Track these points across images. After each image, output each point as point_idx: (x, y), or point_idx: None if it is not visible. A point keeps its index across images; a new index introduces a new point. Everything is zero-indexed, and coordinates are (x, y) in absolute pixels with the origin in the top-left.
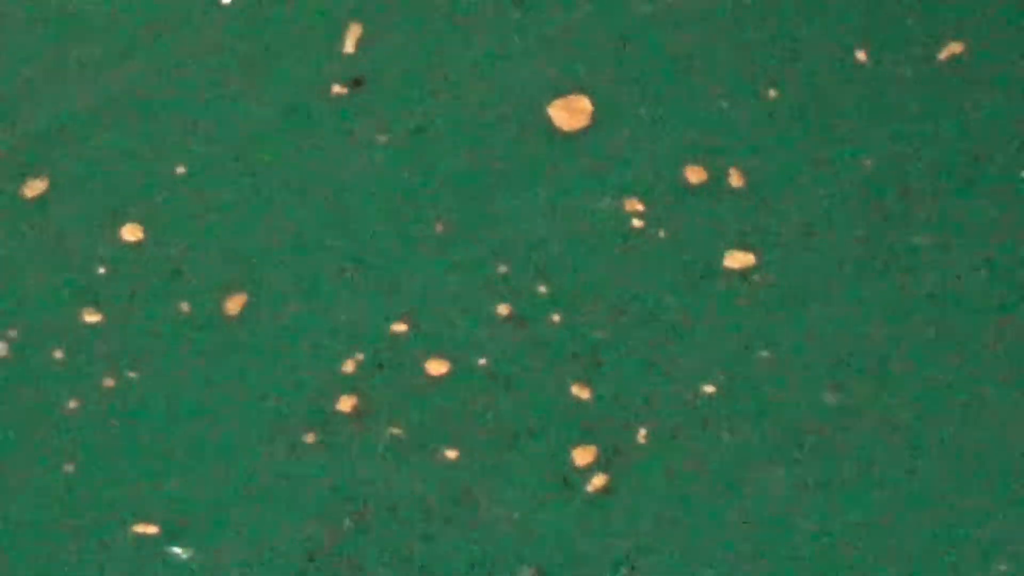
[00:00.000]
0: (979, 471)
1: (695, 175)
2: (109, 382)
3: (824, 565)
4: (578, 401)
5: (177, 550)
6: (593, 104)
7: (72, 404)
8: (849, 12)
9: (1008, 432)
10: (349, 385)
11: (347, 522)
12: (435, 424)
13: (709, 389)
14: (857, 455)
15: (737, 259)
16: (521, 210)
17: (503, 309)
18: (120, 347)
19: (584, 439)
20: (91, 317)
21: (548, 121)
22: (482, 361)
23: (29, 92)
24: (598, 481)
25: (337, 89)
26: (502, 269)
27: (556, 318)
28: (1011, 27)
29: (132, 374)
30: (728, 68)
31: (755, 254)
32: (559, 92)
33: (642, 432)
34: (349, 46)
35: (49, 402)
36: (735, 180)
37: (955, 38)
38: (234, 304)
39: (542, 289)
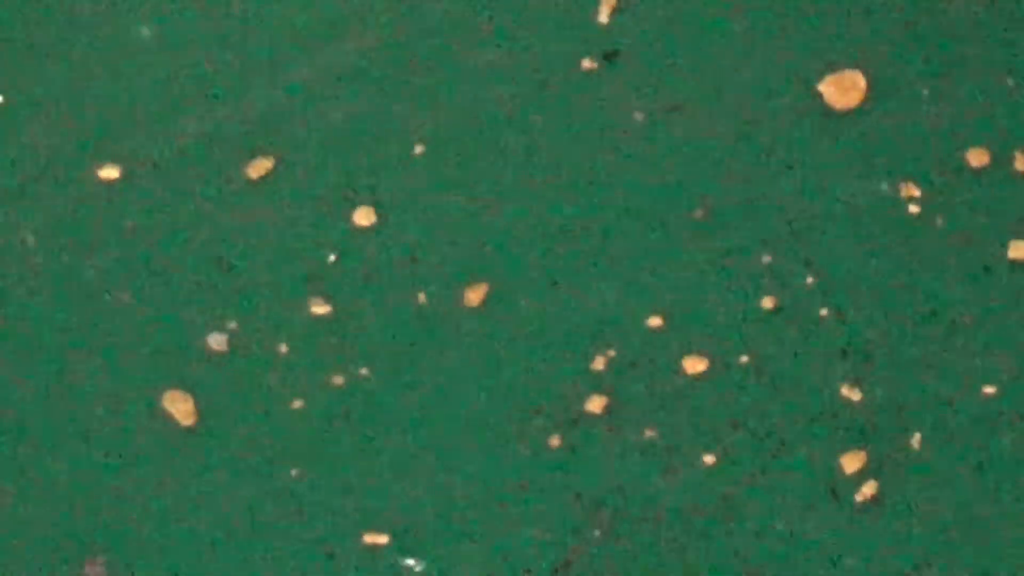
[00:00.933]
0: None
1: (977, 158)
2: (338, 380)
3: None
4: (847, 403)
5: (410, 561)
6: (867, 80)
7: (297, 404)
8: None
9: None
10: (599, 384)
11: (595, 532)
12: (692, 426)
13: (990, 390)
14: None
15: (1022, 249)
16: (787, 195)
17: (767, 302)
18: (350, 341)
19: (853, 444)
20: (319, 308)
21: (818, 99)
22: (744, 358)
23: (254, 67)
24: (868, 490)
25: (588, 64)
26: (766, 259)
27: (824, 312)
28: None
29: (363, 371)
30: (1016, 43)
31: None
32: (831, 67)
33: (916, 437)
34: (603, 16)
35: (272, 401)
36: (1021, 164)
37: None
38: (475, 295)
39: (809, 280)
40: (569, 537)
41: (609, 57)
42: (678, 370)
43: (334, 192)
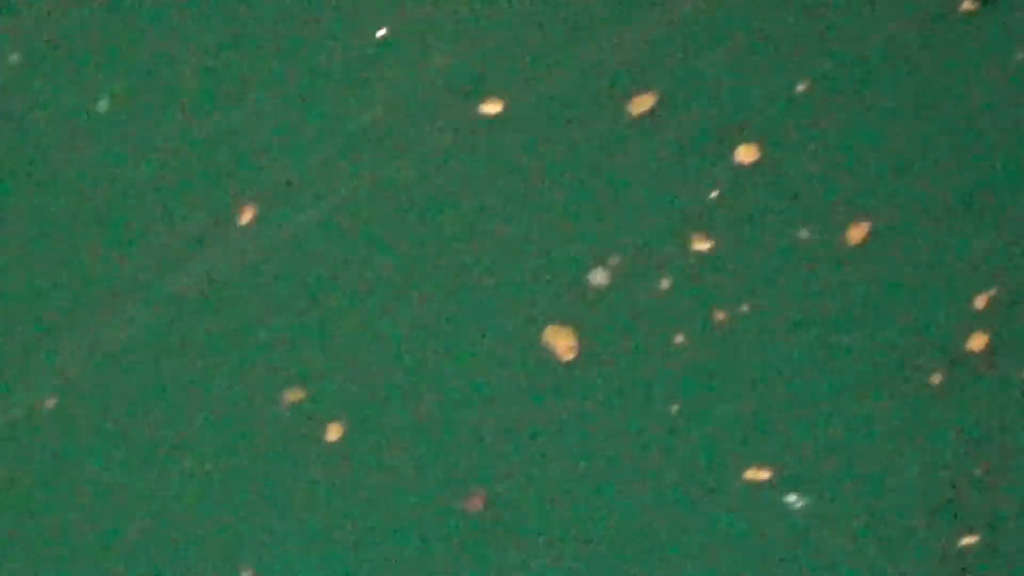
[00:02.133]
0: None
1: None
2: (720, 315)
3: None
4: None
5: (792, 498)
6: None
7: (679, 339)
8: None
9: None
10: (981, 322)
11: (977, 471)
12: None
13: None
14: None
15: None
16: None
17: None
18: (732, 277)
19: None
20: (701, 244)
21: None
22: None
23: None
24: None
25: (967, 5)
26: None
27: None
28: None
29: (744, 307)
30: None
31: None
32: None
33: None
34: None
35: (654, 336)
36: None
37: None
38: (858, 231)
39: None
40: (952, 475)
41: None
42: None
43: (717, 128)
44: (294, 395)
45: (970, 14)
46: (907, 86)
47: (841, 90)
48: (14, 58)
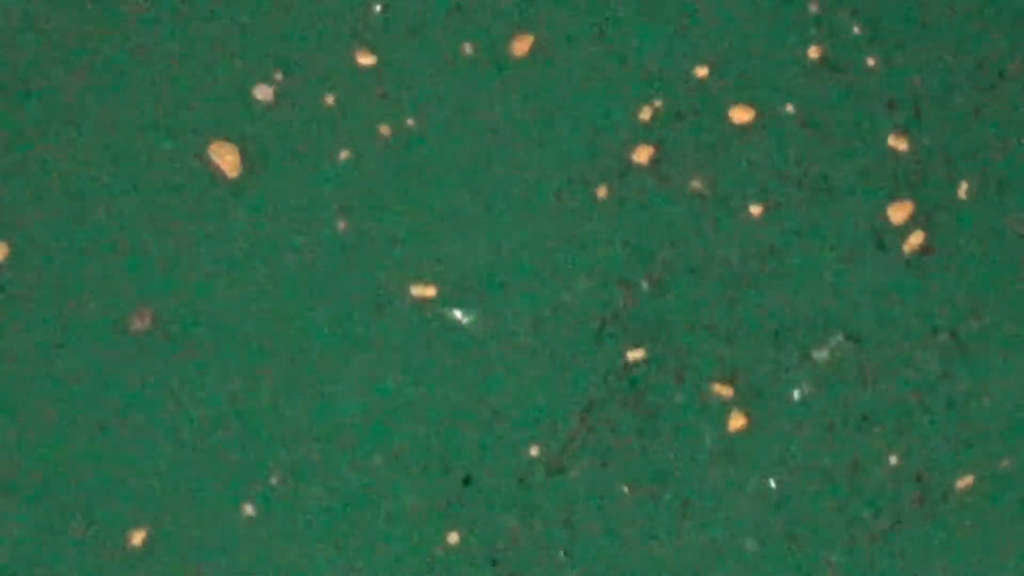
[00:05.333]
0: None
1: None
2: (384, 130)
3: None
4: (895, 153)
5: (457, 313)
6: None
7: (344, 154)
8: None
9: None
10: (646, 134)
11: (644, 283)
12: (739, 177)
13: None
14: None
15: None
16: None
17: (814, 52)
18: (396, 92)
19: (901, 194)
20: (365, 59)
21: None
22: (790, 108)
23: None
24: (915, 240)
25: None
26: (813, 8)
27: (872, 62)
28: None
29: (409, 121)
30: None
31: None
32: None
33: (964, 186)
34: None
35: (318, 152)
36: None
37: None
38: (521, 44)
39: (856, 30)
40: (617, 288)
41: None
42: (725, 120)
43: None
44: None
45: None
46: None
47: None
48: None
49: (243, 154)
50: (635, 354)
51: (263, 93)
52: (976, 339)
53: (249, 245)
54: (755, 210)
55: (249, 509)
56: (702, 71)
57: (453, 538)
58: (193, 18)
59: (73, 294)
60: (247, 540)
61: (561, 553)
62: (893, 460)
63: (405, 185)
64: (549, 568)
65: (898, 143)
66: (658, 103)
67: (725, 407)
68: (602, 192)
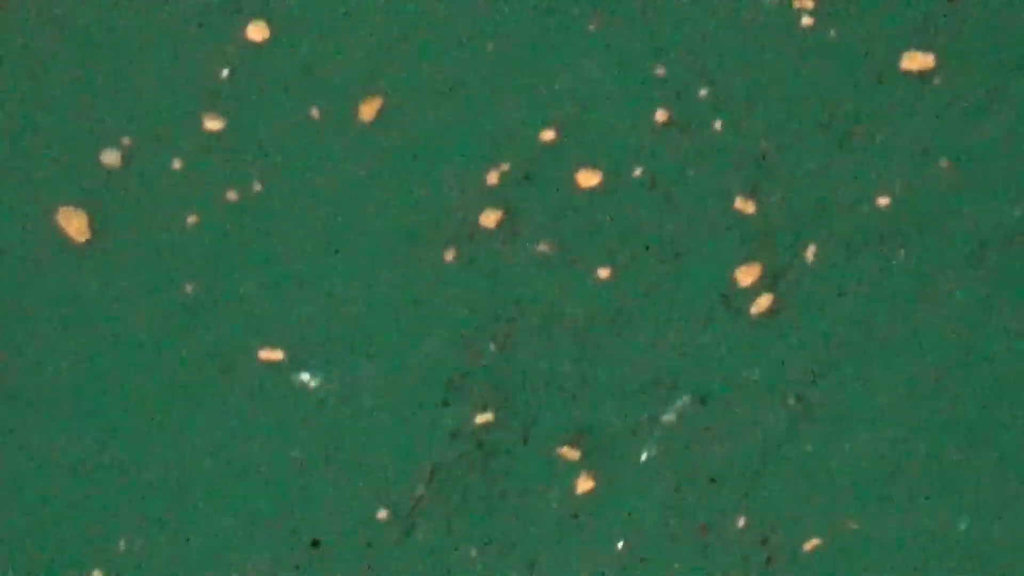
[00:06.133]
0: None
1: None
2: (232, 195)
3: (1012, 388)
4: (742, 215)
5: (305, 376)
6: None
7: (191, 219)
8: None
9: None
10: (494, 197)
11: (492, 345)
12: (586, 239)
13: (884, 201)
14: None
15: (916, 60)
16: (682, 6)
17: (661, 114)
18: (244, 156)
19: (748, 257)
20: (213, 124)
21: None
22: (638, 171)
23: None
24: (763, 302)
25: None
26: (660, 71)
27: (718, 125)
28: None
29: (257, 186)
30: None
31: (936, 54)
32: None
33: (811, 249)
34: None
35: (166, 216)
36: None
37: None
38: (369, 108)
39: (703, 93)
40: (465, 351)
41: None
42: (572, 183)
43: (226, 6)
44: None
45: None
46: None
47: None
48: None
49: (91, 219)
50: (482, 416)
51: (110, 158)
52: (822, 401)
53: (97, 309)
54: (603, 272)
55: (97, 574)
56: (549, 134)
57: None
58: (39, 82)
59: None
60: None
61: None
62: (741, 522)
63: (252, 249)
64: None
65: (745, 205)
66: (505, 166)
67: (572, 469)
68: (450, 255)
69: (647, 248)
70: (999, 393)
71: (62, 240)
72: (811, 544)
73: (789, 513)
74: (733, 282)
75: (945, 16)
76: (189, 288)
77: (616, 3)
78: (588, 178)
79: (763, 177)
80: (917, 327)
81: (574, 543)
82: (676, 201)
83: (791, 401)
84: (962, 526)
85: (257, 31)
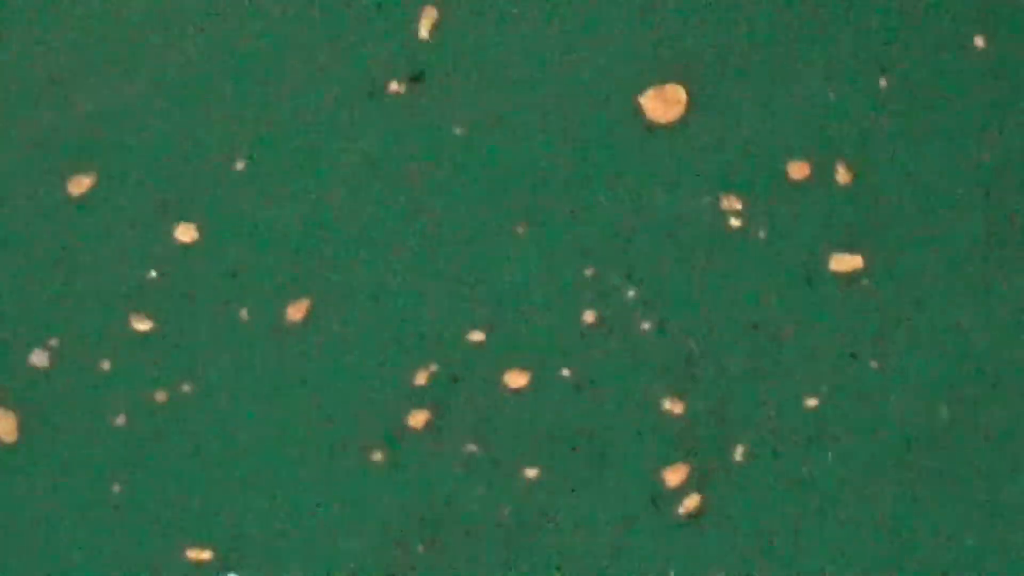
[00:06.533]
0: None
1: (799, 170)
2: (161, 396)
3: None
4: (670, 416)
5: None
6: (688, 93)
7: (120, 420)
8: None
9: None
10: (421, 398)
11: (419, 546)
12: (514, 440)
13: (812, 402)
14: (972, 471)
15: (844, 262)
16: (609, 208)
17: (589, 315)
18: (173, 357)
19: (676, 457)
20: (141, 325)
21: (639, 112)
22: (566, 372)
23: (74, 78)
24: (691, 503)
25: (401, 79)
26: (588, 272)
27: (646, 325)
28: None
29: (186, 387)
30: (836, 54)
31: (863, 256)
32: (651, 80)
33: (739, 449)
34: (424, 32)
35: (95, 417)
36: (842, 176)
37: None
38: (297, 310)
39: (631, 294)
40: (393, 550)
41: (417, 78)
42: (500, 384)
43: (155, 208)
44: None
45: (398, 95)
46: (352, 155)
47: (279, 166)
48: None
49: (20, 419)
50: None
51: (39, 358)
52: None
53: (26, 509)
54: (530, 472)
55: None
56: (477, 335)
57: None
58: None
59: None
60: None
61: None
62: None
63: (181, 449)
64: None
65: (673, 406)
66: (433, 367)
67: None
68: (377, 456)
69: (574, 448)
70: None
71: None
72: None
73: None
74: (661, 482)
75: (873, 218)
76: (117, 488)
77: (545, 205)
78: (516, 378)
79: (691, 378)
80: (845, 528)
81: None
82: (604, 402)
83: None
84: None
85: (185, 232)
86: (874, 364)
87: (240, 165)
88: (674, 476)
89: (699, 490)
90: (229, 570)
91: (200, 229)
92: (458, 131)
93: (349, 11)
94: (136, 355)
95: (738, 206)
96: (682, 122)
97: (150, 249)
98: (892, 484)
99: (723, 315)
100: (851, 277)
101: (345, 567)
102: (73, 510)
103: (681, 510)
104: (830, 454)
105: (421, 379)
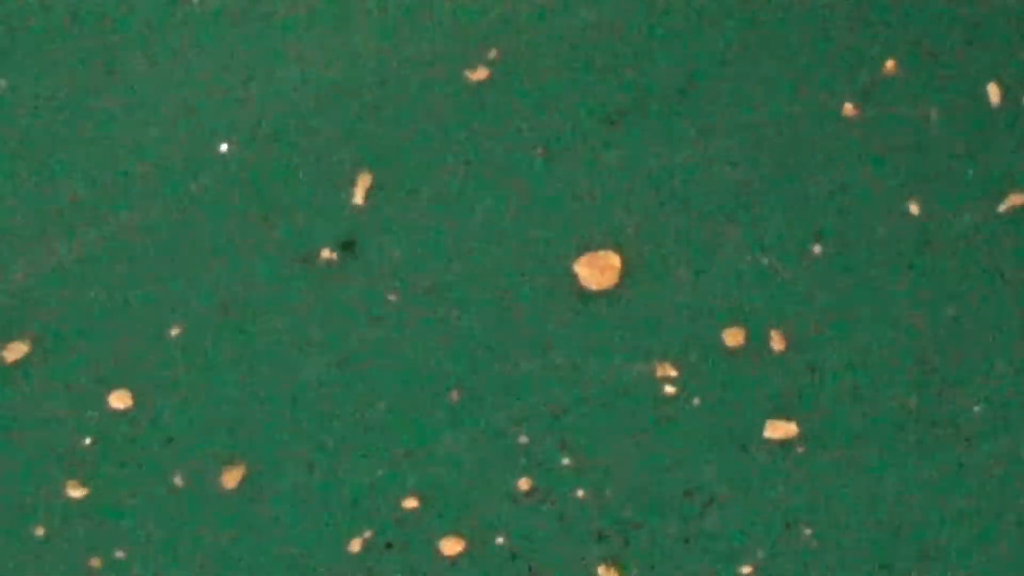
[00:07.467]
0: None
1: (733, 338)
2: (95, 562)
3: None
4: None
5: None
6: (622, 260)
7: None
8: (900, 161)
9: None
10: (356, 566)
11: None
12: None
13: (747, 570)
14: None
15: (778, 429)
16: (543, 376)
17: (523, 483)
18: (107, 524)
19: None
20: (76, 491)
21: (573, 279)
22: (500, 540)
23: (8, 245)
24: None
25: (333, 246)
26: (523, 440)
27: (581, 493)
28: None
29: (120, 553)
30: (769, 222)
31: (798, 423)
32: (585, 248)
33: None
34: (359, 198)
35: None
36: (777, 343)
37: (1018, 189)
38: (231, 476)
39: (566, 461)
40: None
41: (348, 247)
42: (435, 551)
43: (90, 375)
44: None
45: (331, 263)
46: (283, 322)
47: (214, 333)
48: None
49: None
50: None
51: None
52: None
53: None
54: None
55: None
56: (412, 502)
57: None
58: None
59: None
60: None
61: None
62: None
63: None
64: None
65: (608, 573)
66: (368, 534)
67: None
68: None
69: None
70: None
71: None
72: None
73: None
74: None
75: (808, 385)
76: None
77: (476, 376)
78: (451, 546)
79: (625, 544)
80: None
81: None
82: (538, 570)
83: None
84: None
85: (119, 399)
86: (808, 531)
87: (175, 332)
88: None
89: None
90: None
91: (134, 396)
92: (391, 298)
93: (284, 179)
94: (70, 522)
95: (673, 373)
96: (616, 289)
97: (85, 416)
98: None
99: (658, 482)
100: (785, 443)
101: None
102: None
103: None
104: None
105: (355, 546)
